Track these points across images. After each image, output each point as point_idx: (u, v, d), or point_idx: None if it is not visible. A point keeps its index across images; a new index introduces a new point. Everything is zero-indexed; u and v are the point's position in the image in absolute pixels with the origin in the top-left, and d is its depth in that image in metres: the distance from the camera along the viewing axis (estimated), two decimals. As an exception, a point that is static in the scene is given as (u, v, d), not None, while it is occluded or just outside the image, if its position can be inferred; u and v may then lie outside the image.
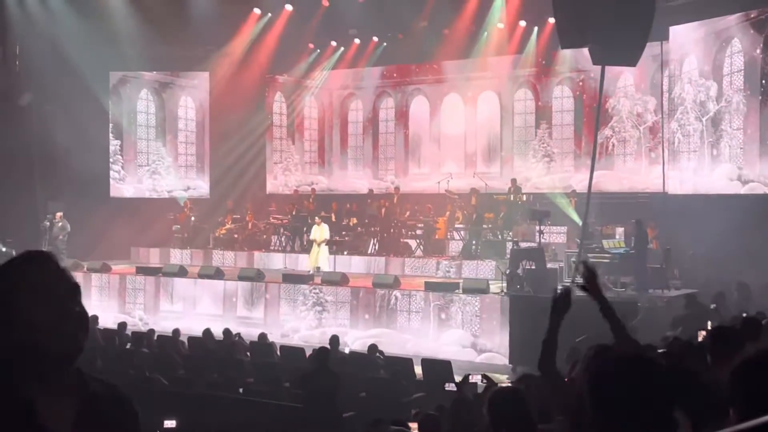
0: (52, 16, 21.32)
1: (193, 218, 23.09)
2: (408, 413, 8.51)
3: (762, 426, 1.39)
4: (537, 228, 16.81)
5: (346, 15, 22.36)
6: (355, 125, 25.65)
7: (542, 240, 16.77)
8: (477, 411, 6.64)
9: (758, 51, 16.69)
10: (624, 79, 20.64)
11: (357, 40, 24.08)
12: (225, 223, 22.80)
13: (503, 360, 14.82)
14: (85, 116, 21.69)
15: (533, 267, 15.41)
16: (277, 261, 21.18)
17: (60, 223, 21.02)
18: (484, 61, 22.69)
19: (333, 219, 21.08)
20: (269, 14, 23.22)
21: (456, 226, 20.56)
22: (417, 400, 10.58)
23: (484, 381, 8.99)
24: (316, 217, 20.04)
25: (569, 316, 3.69)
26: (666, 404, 2.18)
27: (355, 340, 16.08)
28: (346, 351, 13.72)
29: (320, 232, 19.32)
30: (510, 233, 19.40)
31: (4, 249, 20.74)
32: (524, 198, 20.83)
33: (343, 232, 21.28)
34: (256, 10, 23.17)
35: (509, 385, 6.02)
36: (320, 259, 19.26)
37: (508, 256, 16.87)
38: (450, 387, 8.44)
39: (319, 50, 24.69)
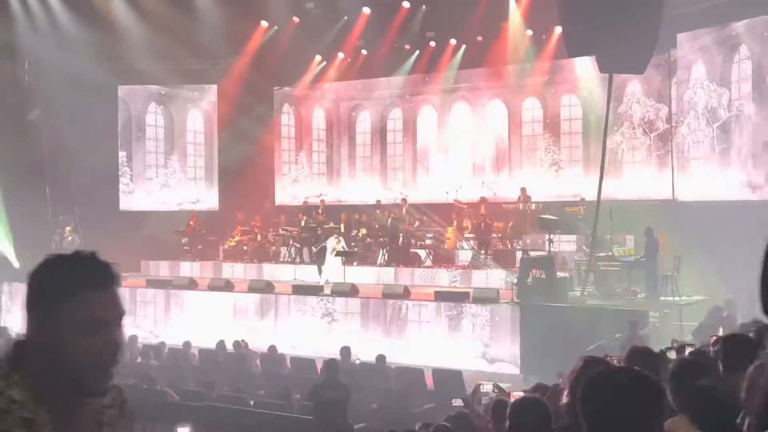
0: (60, 31, 21.44)
1: (203, 231, 23.07)
2: (422, 423, 8.45)
3: None
4: (546, 236, 16.76)
5: (353, 26, 22.45)
6: (364, 136, 25.67)
7: (552, 248, 16.71)
8: (481, 422, 6.60)
9: (766, 57, 16.64)
10: (632, 86, 20.59)
11: (364, 51, 24.08)
12: (234, 234, 22.83)
13: (514, 369, 14.75)
14: (93, 131, 21.79)
15: (543, 276, 15.36)
16: (286, 272, 21.17)
17: (70, 237, 21.07)
18: (491, 70, 22.70)
19: (342, 230, 21.08)
20: (276, 27, 23.29)
21: (465, 235, 20.52)
22: (428, 410, 10.55)
23: (495, 391, 8.97)
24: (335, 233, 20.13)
25: (581, 327, 3.69)
26: (655, 417, 2.17)
27: (365, 350, 16.03)
28: (357, 362, 13.69)
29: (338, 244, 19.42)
30: (519, 242, 19.35)
31: (18, 265, 20.78)
32: (533, 207, 20.77)
33: (352, 243, 21.26)
34: (263, 23, 23.25)
35: (532, 394, 6.00)
36: (332, 269, 19.27)
37: (518, 265, 16.82)
38: (456, 402, 8.32)
39: (326, 62, 24.68)
